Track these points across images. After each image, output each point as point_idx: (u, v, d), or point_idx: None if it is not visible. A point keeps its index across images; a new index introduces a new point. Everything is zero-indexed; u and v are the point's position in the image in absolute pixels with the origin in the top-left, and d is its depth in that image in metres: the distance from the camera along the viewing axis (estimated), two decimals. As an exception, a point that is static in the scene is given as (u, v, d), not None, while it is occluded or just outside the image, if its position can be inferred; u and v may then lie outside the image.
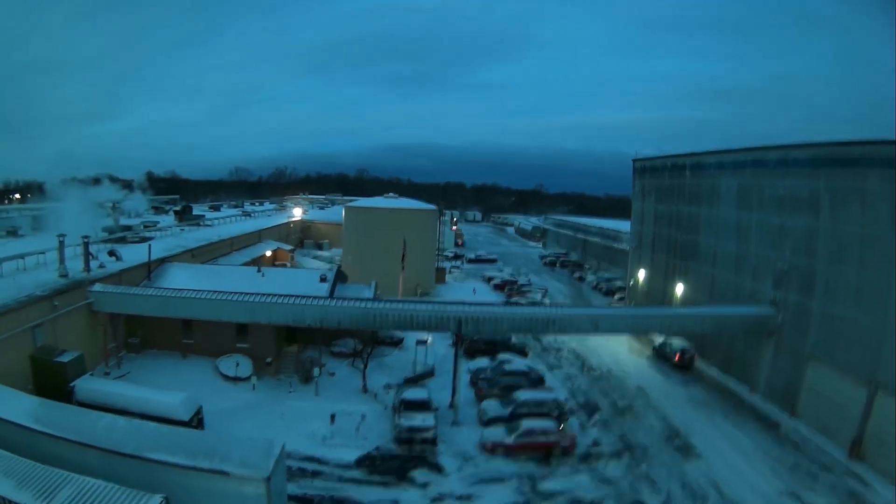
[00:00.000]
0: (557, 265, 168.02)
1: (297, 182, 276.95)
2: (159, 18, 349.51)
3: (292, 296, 65.48)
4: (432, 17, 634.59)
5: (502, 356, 77.01)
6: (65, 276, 62.68)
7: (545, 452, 55.39)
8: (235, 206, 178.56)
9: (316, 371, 65.45)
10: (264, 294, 65.62)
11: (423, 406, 59.30)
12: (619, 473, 53.28)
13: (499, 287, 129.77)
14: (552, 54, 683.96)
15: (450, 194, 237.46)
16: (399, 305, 66.95)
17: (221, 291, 65.79)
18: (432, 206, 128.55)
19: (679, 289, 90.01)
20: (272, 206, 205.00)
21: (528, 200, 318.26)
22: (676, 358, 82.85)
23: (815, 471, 53.85)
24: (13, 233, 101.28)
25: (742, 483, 51.13)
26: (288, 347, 71.99)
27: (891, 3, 67.96)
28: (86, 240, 67.15)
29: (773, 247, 72.05)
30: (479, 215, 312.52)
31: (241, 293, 65.51)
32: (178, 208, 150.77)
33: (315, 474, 49.66)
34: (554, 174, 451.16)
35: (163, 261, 80.00)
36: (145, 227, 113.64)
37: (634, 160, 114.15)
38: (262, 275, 77.33)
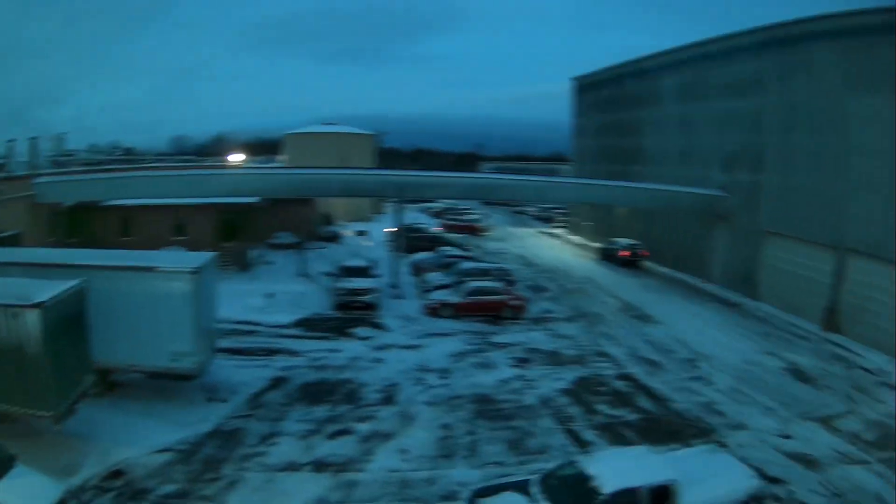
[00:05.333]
0: (496, 202, 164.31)
1: (237, 146, 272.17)
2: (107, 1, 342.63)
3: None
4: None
5: (443, 249, 75.22)
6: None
7: (494, 313, 52.74)
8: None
9: (254, 256, 62.26)
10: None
11: (363, 272, 57.15)
12: (576, 332, 50.55)
13: (437, 214, 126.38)
14: (491, 26, 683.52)
15: (387, 157, 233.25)
16: (341, 172, 64.47)
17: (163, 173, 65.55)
18: (370, 132, 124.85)
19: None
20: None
21: (466, 161, 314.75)
22: (624, 254, 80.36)
23: (790, 338, 51.19)
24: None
25: (712, 343, 48.24)
26: (227, 243, 68.77)
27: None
28: (34, 140, 63.96)
29: (720, 133, 70.40)
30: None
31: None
32: (121, 153, 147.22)
33: (249, 332, 46.70)
34: (492, 140, 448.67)
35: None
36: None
37: (574, 78, 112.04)
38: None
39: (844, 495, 26.70)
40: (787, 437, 32.58)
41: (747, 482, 23.81)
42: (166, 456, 27.41)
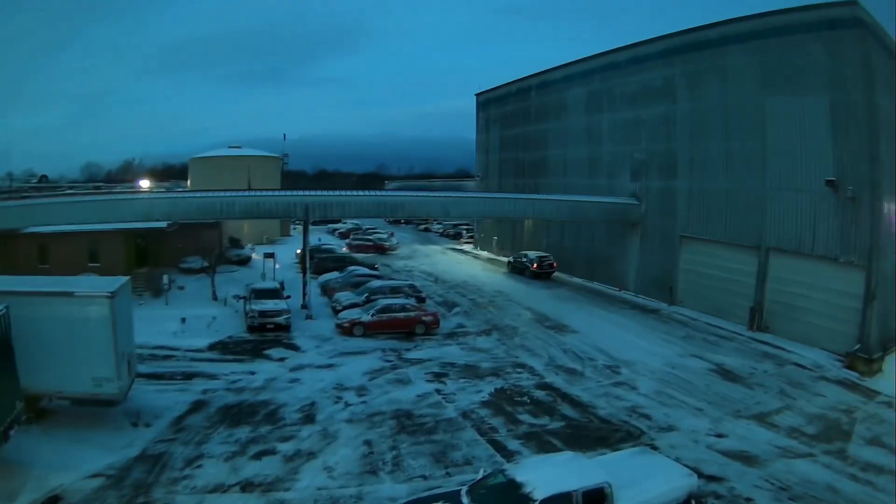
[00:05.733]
0: (402, 221, 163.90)
1: (144, 172, 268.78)
2: (24, 27, 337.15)
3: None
4: (274, 14, 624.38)
5: (352, 268, 75.64)
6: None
7: (407, 330, 53.38)
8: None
9: (165, 280, 62.14)
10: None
11: (274, 294, 57.37)
12: (491, 345, 51.18)
13: (343, 235, 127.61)
14: (392, 46, 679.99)
15: (291, 179, 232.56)
16: (246, 194, 65.07)
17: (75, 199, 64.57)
18: (275, 154, 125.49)
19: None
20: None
21: (370, 181, 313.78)
22: (534, 266, 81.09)
23: (714, 340, 52.40)
24: None
25: (632, 349, 49.10)
26: (139, 269, 68.63)
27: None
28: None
29: (628, 141, 72.25)
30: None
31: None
32: (36, 181, 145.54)
33: (167, 357, 46.43)
34: (394, 159, 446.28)
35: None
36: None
37: (478, 94, 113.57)
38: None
39: (791, 489, 27.43)
40: (721, 435, 33.41)
41: (685, 480, 24.19)
42: (99, 481, 27.34)
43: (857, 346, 44.71)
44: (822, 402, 38.29)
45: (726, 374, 43.74)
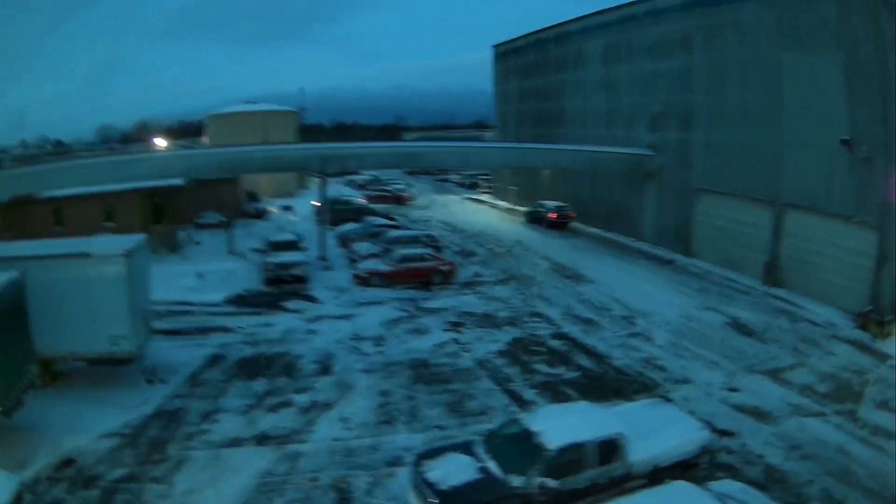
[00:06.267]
0: (420, 172, 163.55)
1: (160, 130, 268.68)
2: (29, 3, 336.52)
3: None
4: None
5: (370, 219, 75.73)
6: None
7: (424, 279, 53.18)
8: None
9: (182, 236, 61.97)
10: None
11: (291, 246, 57.40)
12: (508, 294, 51.03)
13: (361, 186, 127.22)
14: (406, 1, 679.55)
15: (309, 133, 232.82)
16: (264, 148, 64.66)
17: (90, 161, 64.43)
18: (292, 108, 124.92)
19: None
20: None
21: (388, 133, 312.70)
22: (552, 216, 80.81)
23: (730, 293, 51.65)
24: None
25: (648, 300, 48.63)
26: (155, 226, 68.61)
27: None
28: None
29: (646, 92, 71.12)
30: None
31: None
32: (51, 146, 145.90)
33: (183, 313, 46.23)
34: (412, 112, 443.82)
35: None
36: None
37: (495, 46, 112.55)
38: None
39: (802, 447, 26.94)
40: (735, 390, 33.01)
41: (698, 434, 23.93)
42: (113, 441, 27.31)
43: (870, 307, 43.81)
44: (834, 361, 37.51)
45: (741, 327, 43.16)
